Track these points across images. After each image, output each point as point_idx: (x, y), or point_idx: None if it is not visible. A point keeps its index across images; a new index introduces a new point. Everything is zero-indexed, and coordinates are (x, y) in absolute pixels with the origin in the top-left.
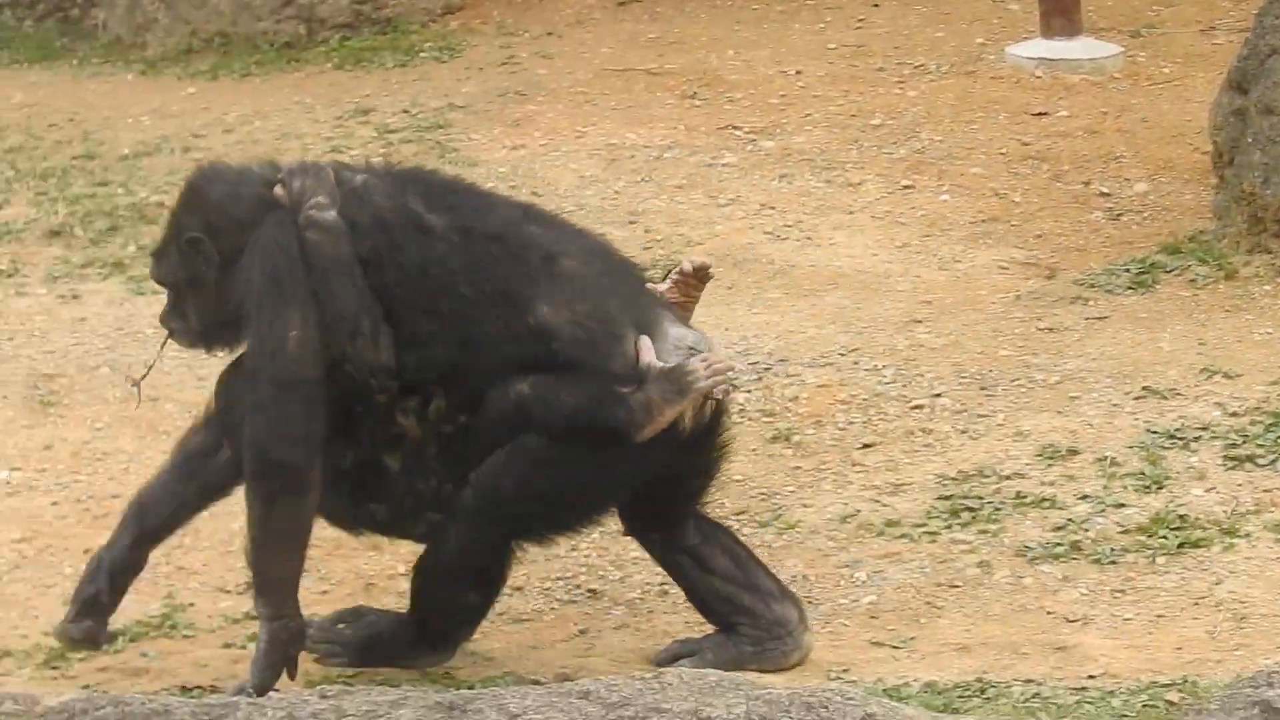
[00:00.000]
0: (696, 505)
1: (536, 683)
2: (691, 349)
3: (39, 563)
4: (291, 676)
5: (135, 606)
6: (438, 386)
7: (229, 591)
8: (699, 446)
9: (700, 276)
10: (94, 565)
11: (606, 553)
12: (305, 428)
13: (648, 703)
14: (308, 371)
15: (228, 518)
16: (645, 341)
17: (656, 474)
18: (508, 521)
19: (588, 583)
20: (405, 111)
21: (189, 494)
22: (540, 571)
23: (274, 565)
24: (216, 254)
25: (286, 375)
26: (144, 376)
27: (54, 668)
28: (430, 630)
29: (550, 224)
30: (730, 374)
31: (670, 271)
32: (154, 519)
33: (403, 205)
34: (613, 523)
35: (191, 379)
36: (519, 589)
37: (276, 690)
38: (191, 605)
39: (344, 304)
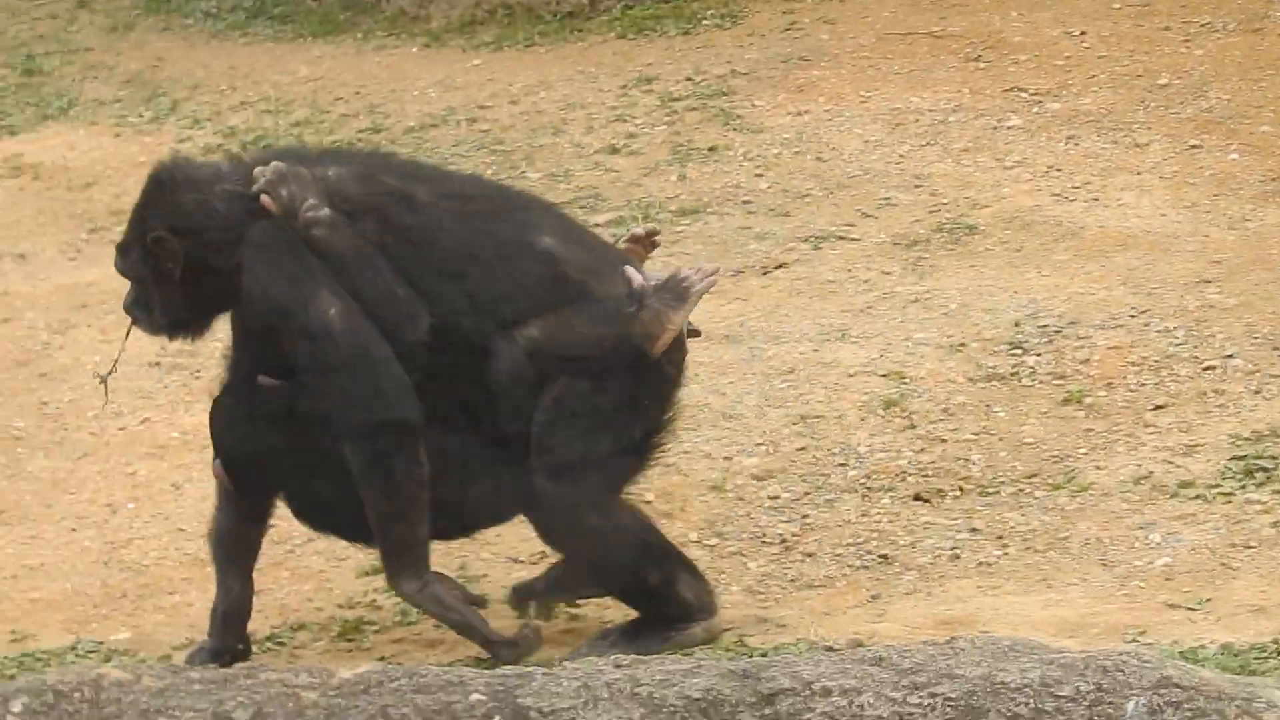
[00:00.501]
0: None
1: (830, 649)
2: (716, 269)
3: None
4: (483, 604)
5: None
6: (465, 351)
7: (521, 562)
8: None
9: (649, 241)
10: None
11: (898, 518)
12: (393, 381)
13: (940, 669)
14: (365, 334)
15: None
16: (631, 270)
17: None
18: (594, 478)
19: (879, 548)
20: (688, 79)
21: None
22: (832, 538)
23: (410, 531)
24: (182, 253)
25: (349, 345)
26: (110, 372)
27: (349, 640)
28: (659, 612)
29: (504, 187)
30: (718, 273)
31: (621, 238)
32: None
33: (380, 185)
34: (902, 487)
35: None
36: (811, 555)
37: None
38: (484, 576)
39: (374, 285)
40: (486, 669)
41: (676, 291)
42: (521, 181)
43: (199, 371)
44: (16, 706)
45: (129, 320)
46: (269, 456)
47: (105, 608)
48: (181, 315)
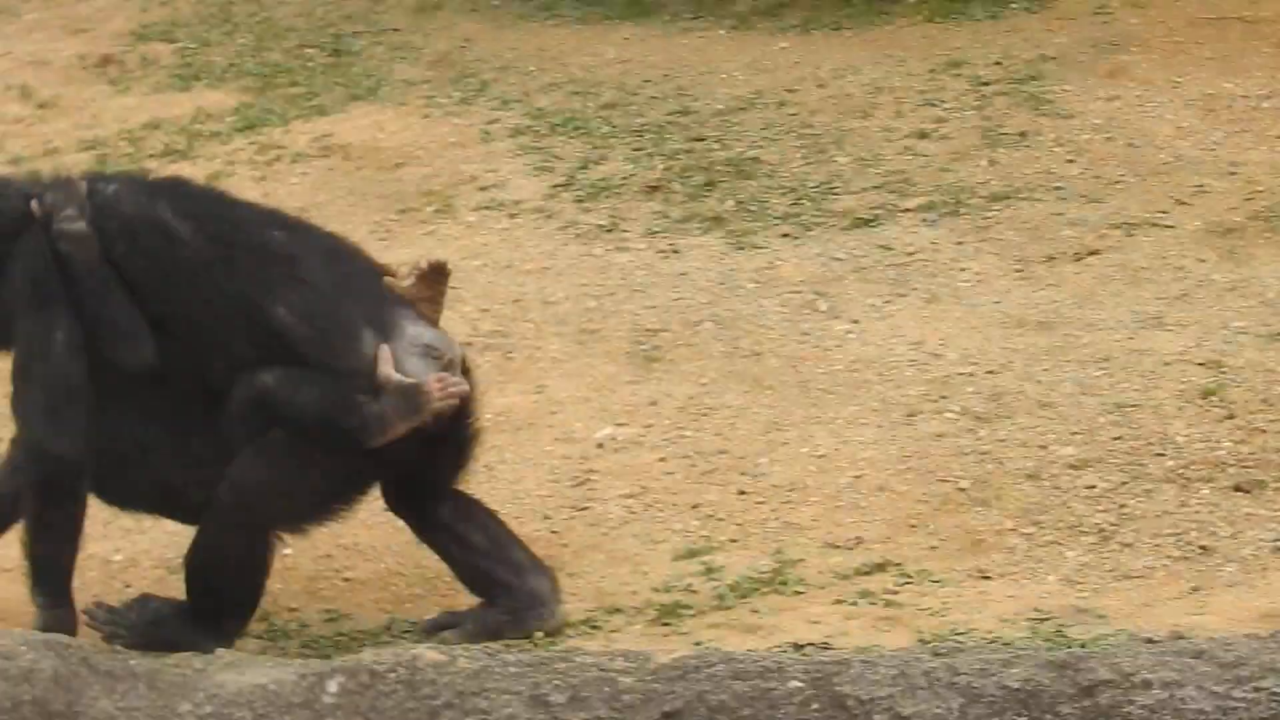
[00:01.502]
0: (450, 488)
1: (1150, 641)
2: (428, 347)
3: (647, 518)
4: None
5: (745, 562)
6: (190, 378)
7: (838, 547)
8: (446, 440)
9: (437, 274)
10: None
11: (1217, 509)
12: (74, 423)
13: (1264, 662)
14: (75, 369)
15: (835, 473)
16: (384, 351)
17: (402, 467)
18: (257, 514)
19: (1199, 539)
20: (997, 64)
21: None
22: (1150, 528)
23: (50, 555)
24: None
25: (56, 374)
26: None
27: (665, 624)
28: (203, 619)
29: (294, 229)
30: (463, 392)
31: (410, 269)
32: None
33: (150, 212)
34: (1222, 478)
35: (794, 333)
36: (1129, 545)
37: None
38: (801, 561)
39: (101, 306)
40: (803, 655)
41: (413, 403)
42: (830, 166)
43: (511, 352)
44: (333, 686)
45: None
46: None
47: (419, 588)
48: None
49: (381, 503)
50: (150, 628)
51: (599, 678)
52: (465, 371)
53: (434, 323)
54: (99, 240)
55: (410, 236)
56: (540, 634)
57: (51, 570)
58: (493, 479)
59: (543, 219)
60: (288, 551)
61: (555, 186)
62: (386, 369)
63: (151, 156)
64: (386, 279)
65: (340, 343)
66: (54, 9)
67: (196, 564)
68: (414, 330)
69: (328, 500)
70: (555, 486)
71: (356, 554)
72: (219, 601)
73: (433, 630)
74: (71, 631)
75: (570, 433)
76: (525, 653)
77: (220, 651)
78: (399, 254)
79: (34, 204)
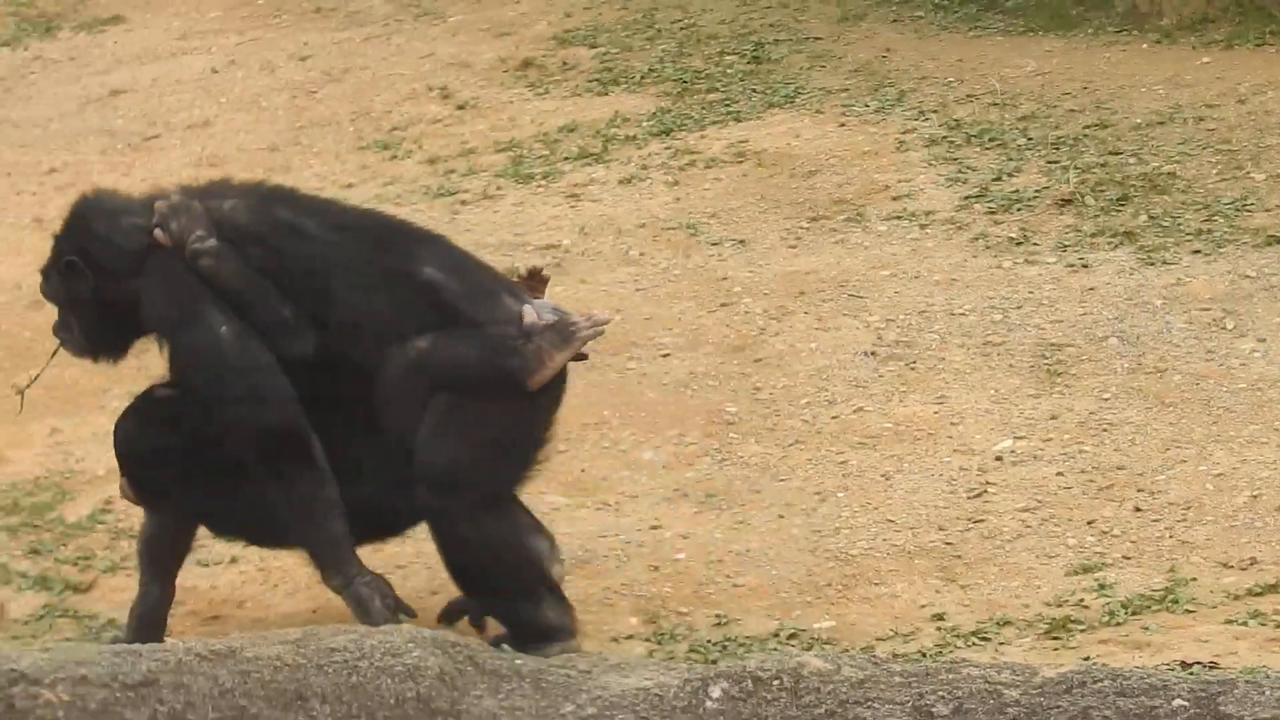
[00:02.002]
0: None
1: None
2: (556, 310)
3: (1042, 532)
4: (411, 614)
5: (1137, 579)
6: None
7: (1232, 567)
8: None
9: (536, 280)
10: None
11: None
12: (278, 390)
13: None
14: (252, 348)
15: (1232, 492)
16: (526, 306)
17: (557, 410)
18: (468, 487)
19: None
20: None
21: None
22: None
23: (320, 529)
24: (92, 279)
25: (239, 361)
26: (28, 386)
27: (1055, 638)
28: (521, 629)
29: (405, 224)
30: (599, 331)
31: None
32: None
33: (270, 216)
34: None
35: (1199, 351)
36: None
37: None
38: (1193, 580)
39: (258, 306)
40: (1190, 674)
41: (564, 334)
42: (1245, 182)
43: (914, 362)
44: (716, 691)
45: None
46: (172, 472)
47: (809, 595)
48: (98, 338)
49: (771, 511)
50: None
51: (984, 690)
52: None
53: None
54: (234, 251)
55: (820, 245)
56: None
57: (330, 543)
58: (890, 488)
59: (953, 230)
60: (679, 556)
61: (967, 198)
62: (531, 317)
63: (566, 159)
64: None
65: (486, 299)
66: (478, 12)
67: (471, 581)
68: (538, 302)
69: (520, 448)
70: (952, 498)
71: (748, 560)
72: (513, 601)
73: (451, 617)
74: (387, 592)
75: (969, 445)
76: (911, 663)
77: (605, 654)
78: (807, 262)
79: (158, 233)
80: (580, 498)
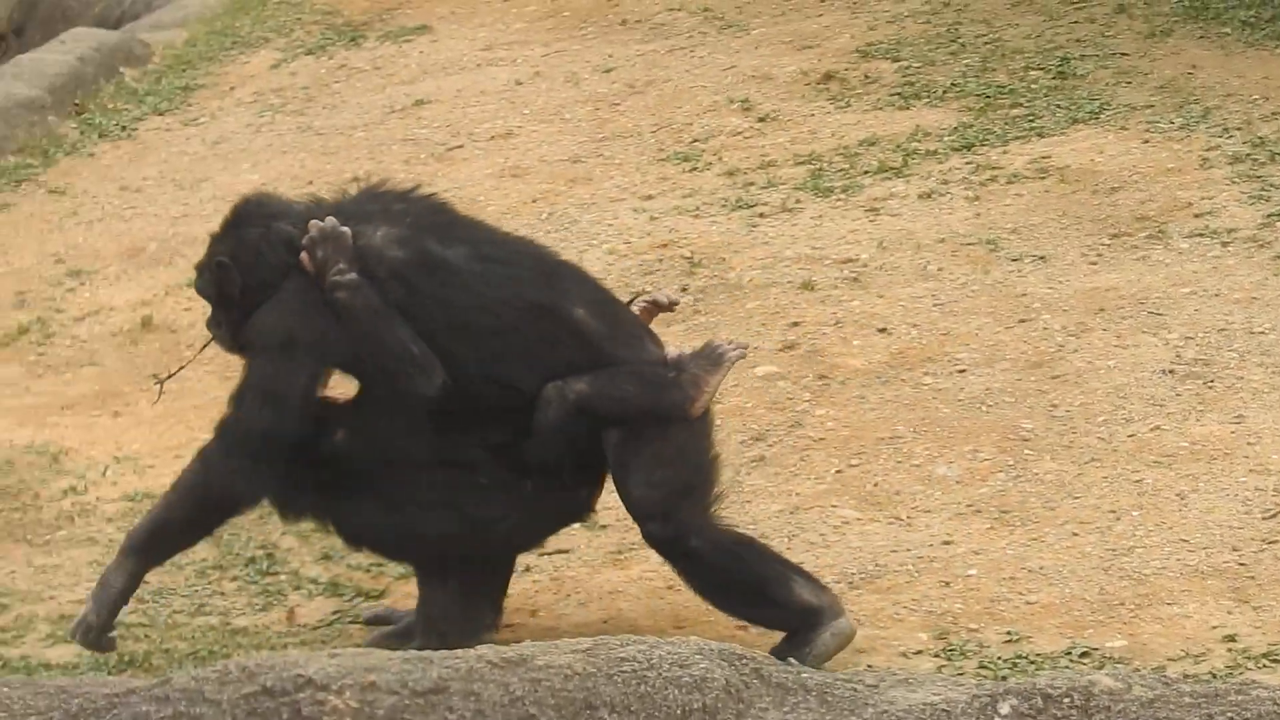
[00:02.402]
0: None
1: None
2: (745, 344)
3: None
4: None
5: None
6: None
7: None
8: None
9: (666, 306)
10: None
11: None
12: (264, 474)
13: None
14: (295, 427)
15: None
16: (719, 344)
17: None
18: (685, 510)
19: None
20: None
21: None
22: None
23: (168, 537)
24: (240, 280)
25: (278, 425)
26: (170, 377)
27: None
28: (792, 623)
29: (546, 251)
30: (741, 355)
31: (637, 298)
32: None
33: (418, 249)
34: None
35: None
36: None
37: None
38: None
39: (387, 343)
40: None
41: (713, 358)
42: None
43: (1212, 381)
44: (1004, 708)
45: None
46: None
47: (1102, 614)
48: (242, 333)
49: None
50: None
51: (1274, 712)
52: None
53: None
54: (375, 286)
55: (1121, 261)
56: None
57: (156, 545)
58: (1184, 508)
59: (1255, 248)
60: (971, 572)
61: (1270, 215)
62: (673, 351)
63: (865, 173)
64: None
65: (633, 339)
66: (781, 25)
67: (720, 592)
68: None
69: (707, 467)
70: (1246, 518)
71: (1040, 577)
72: (771, 598)
73: (372, 622)
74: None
75: (1266, 465)
76: (1201, 683)
77: (893, 668)
78: (1108, 278)
79: (304, 257)
80: (872, 512)
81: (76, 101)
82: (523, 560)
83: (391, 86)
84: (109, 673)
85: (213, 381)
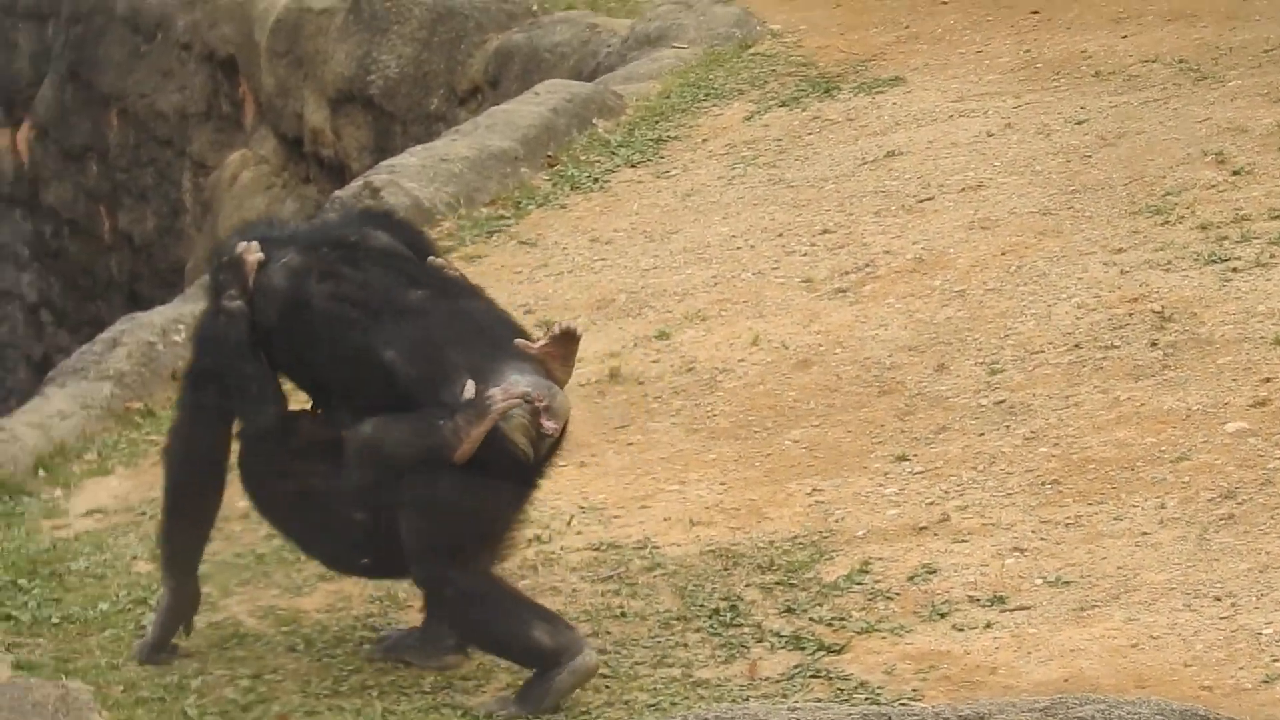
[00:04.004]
0: None
1: None
2: (525, 393)
3: None
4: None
5: None
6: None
7: None
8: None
9: (567, 338)
10: None
11: None
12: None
13: None
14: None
15: None
16: (470, 384)
17: (515, 494)
18: (453, 552)
19: None
20: None
21: None
22: None
23: (174, 544)
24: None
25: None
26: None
27: None
28: (539, 662)
29: (441, 293)
30: (523, 401)
31: (546, 332)
32: None
33: (296, 284)
34: None
35: None
36: None
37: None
38: None
39: (233, 374)
40: None
41: (479, 409)
42: None
43: None
44: None
45: None
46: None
47: None
48: None
49: None
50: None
51: None
52: (565, 416)
53: (561, 379)
54: (254, 314)
55: None
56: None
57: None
58: None
59: None
60: None
61: None
62: (469, 394)
63: None
64: (519, 340)
65: (438, 384)
66: (1258, 76)
67: (473, 636)
68: (515, 378)
69: (487, 517)
70: None
71: None
72: (521, 641)
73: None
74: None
75: None
76: None
77: None
78: None
79: (208, 279)
80: None
81: (549, 153)
82: (982, 617)
83: (864, 138)
84: None
85: (679, 434)
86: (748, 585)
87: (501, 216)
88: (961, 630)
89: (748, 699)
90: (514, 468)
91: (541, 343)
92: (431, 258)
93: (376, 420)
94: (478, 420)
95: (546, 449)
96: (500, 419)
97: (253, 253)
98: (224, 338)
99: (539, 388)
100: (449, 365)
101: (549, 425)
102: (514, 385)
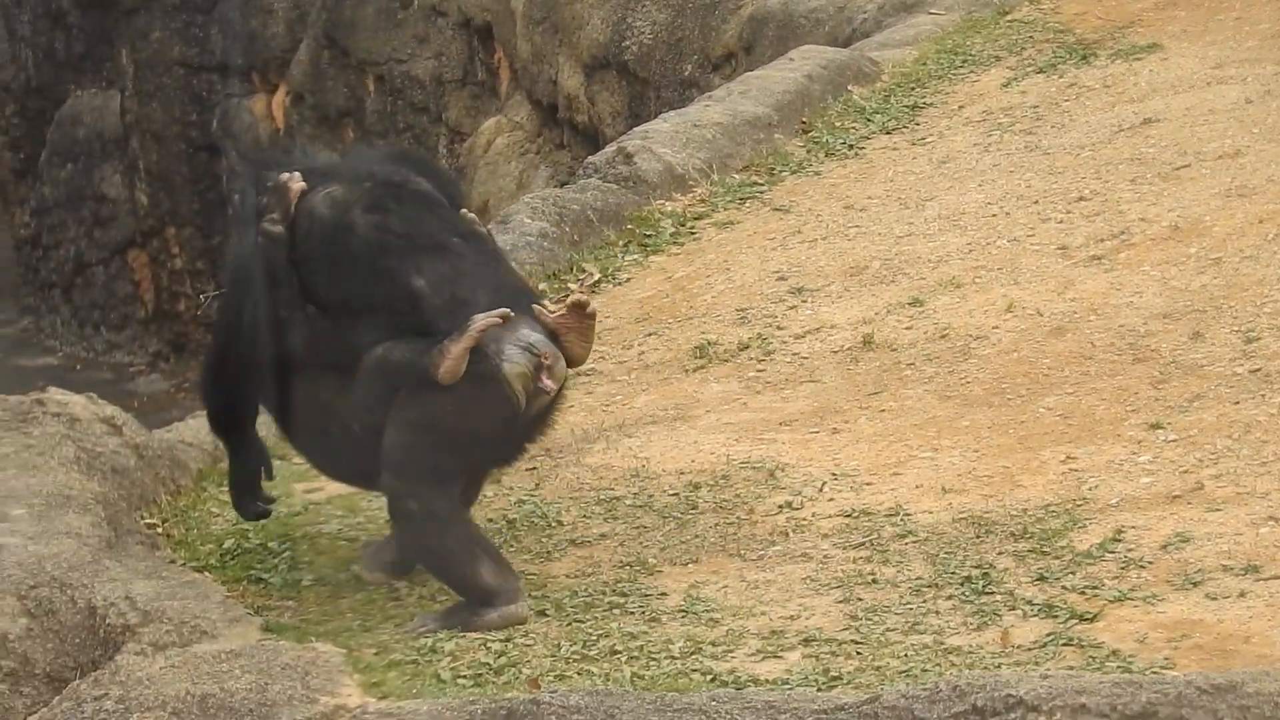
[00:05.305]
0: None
1: None
2: (530, 344)
3: None
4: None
5: None
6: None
7: None
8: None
9: (580, 310)
10: None
11: None
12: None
13: None
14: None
15: None
16: (477, 317)
17: (499, 440)
18: (425, 470)
19: None
20: None
21: None
22: None
23: (219, 405)
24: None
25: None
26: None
27: None
28: (474, 595)
29: (476, 245)
30: (493, 322)
31: (560, 301)
32: None
33: (341, 213)
34: None
35: None
36: None
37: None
38: None
39: (271, 295)
40: None
41: (464, 330)
42: None
43: None
44: None
45: None
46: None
47: None
48: None
49: None
50: (448, 621)
51: None
52: (561, 382)
53: (577, 355)
54: (290, 240)
55: None
56: None
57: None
58: None
59: None
60: None
61: None
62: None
63: None
64: (536, 306)
65: (458, 317)
66: None
67: (423, 558)
68: (525, 331)
69: (463, 436)
70: None
71: None
72: (466, 571)
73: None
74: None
75: None
76: None
77: None
78: None
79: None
80: None
81: (804, 120)
82: (1236, 586)
83: (1120, 105)
84: (818, 688)
85: (932, 401)
86: (1000, 553)
87: (755, 183)
88: (1215, 599)
89: (999, 666)
90: (504, 411)
91: (558, 312)
92: (464, 211)
93: (389, 343)
94: (459, 338)
95: (537, 410)
96: (503, 362)
97: (297, 181)
98: (263, 258)
99: (546, 347)
100: (472, 302)
101: (547, 383)
102: (525, 336)
